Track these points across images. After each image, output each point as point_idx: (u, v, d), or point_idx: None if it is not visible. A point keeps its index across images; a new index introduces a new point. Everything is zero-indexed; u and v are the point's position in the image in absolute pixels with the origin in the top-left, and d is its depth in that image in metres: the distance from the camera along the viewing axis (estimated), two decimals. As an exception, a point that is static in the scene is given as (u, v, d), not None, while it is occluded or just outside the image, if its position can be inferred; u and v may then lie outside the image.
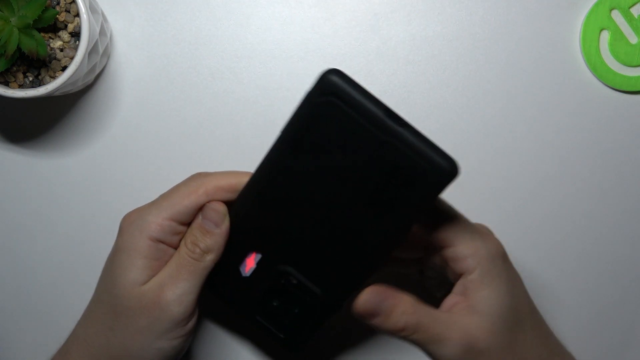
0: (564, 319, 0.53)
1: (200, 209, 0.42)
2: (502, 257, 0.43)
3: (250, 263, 0.43)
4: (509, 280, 0.42)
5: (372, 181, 0.39)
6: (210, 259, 0.42)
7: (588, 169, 0.53)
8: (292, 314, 0.43)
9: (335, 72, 0.38)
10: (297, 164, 0.39)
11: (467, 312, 0.41)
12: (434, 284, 0.47)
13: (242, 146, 0.53)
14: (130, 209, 0.51)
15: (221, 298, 0.45)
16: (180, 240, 0.43)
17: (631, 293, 0.53)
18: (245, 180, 0.42)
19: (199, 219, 0.42)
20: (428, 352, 0.41)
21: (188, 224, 0.43)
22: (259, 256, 0.43)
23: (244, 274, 0.43)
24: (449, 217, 0.42)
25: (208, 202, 0.42)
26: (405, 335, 0.40)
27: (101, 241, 0.53)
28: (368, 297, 0.40)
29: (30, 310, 0.53)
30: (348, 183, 0.39)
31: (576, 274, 0.53)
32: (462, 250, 0.41)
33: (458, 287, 0.42)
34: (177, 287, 0.41)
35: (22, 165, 0.53)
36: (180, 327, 0.42)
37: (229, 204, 0.43)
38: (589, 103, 0.53)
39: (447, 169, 0.38)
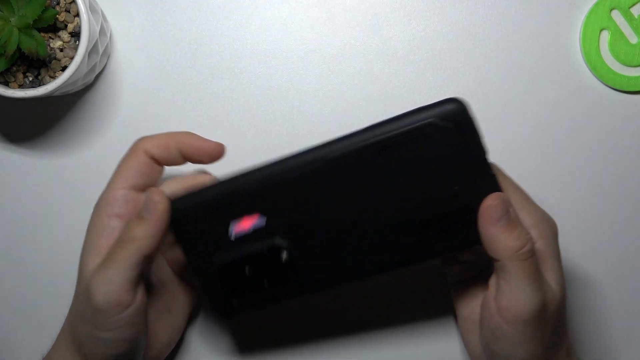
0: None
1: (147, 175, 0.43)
2: (557, 235, 0.42)
3: (246, 224, 0.42)
4: (560, 260, 0.42)
5: (432, 210, 0.40)
6: (135, 247, 0.40)
7: (588, 169, 0.53)
8: (255, 283, 0.42)
9: (465, 104, 0.39)
10: (367, 164, 0.40)
11: (550, 283, 0.41)
12: (463, 269, 0.46)
13: (242, 146, 0.53)
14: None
15: (178, 234, 0.43)
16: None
17: (631, 293, 0.53)
18: (180, 139, 0.43)
19: (140, 205, 0.42)
20: (514, 287, 0.39)
21: (143, 188, 0.43)
22: (262, 220, 0.42)
23: (230, 232, 0.42)
24: (514, 189, 0.42)
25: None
26: (512, 257, 0.38)
27: (101, 241, 0.53)
28: (498, 200, 0.39)
29: (30, 310, 0.53)
30: (405, 201, 0.40)
31: (576, 274, 0.53)
32: (525, 219, 0.41)
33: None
34: (100, 274, 0.40)
35: (22, 165, 0.53)
36: (109, 317, 0.40)
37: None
38: (589, 103, 0.53)
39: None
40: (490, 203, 0.39)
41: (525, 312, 0.39)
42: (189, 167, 0.47)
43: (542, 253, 0.41)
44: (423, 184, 0.40)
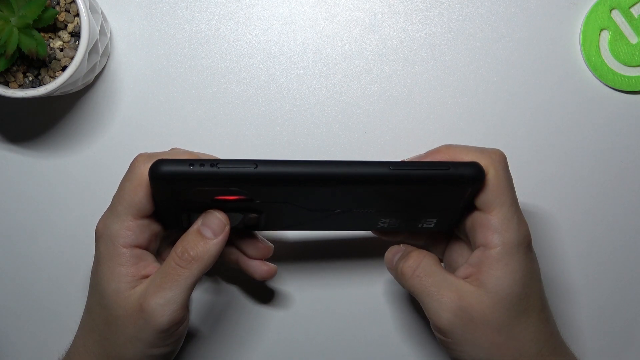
0: (564, 319, 0.53)
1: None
2: (527, 245, 0.42)
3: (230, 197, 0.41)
4: (526, 270, 0.42)
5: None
6: (197, 267, 0.41)
7: (588, 168, 0.53)
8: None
9: (484, 173, 0.41)
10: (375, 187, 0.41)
11: (475, 284, 0.42)
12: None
13: (242, 146, 0.53)
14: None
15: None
16: (156, 238, 0.43)
17: (631, 293, 0.53)
18: (182, 153, 0.43)
19: (198, 224, 0.42)
20: (423, 304, 0.42)
21: (153, 213, 0.42)
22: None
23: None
24: (504, 189, 0.42)
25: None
26: (403, 279, 0.43)
27: (101, 241, 0.53)
28: (387, 254, 0.45)
29: (30, 310, 0.53)
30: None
31: (575, 273, 0.53)
32: (496, 222, 0.41)
33: (474, 258, 0.42)
34: (159, 297, 0.40)
35: (22, 165, 0.53)
36: (168, 335, 0.41)
37: None
38: (589, 103, 0.53)
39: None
40: (386, 255, 0.45)
41: (438, 321, 0.41)
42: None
43: (493, 261, 0.41)
44: (408, 205, 0.43)
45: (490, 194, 0.41)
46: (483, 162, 0.41)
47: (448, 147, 0.43)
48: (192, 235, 0.41)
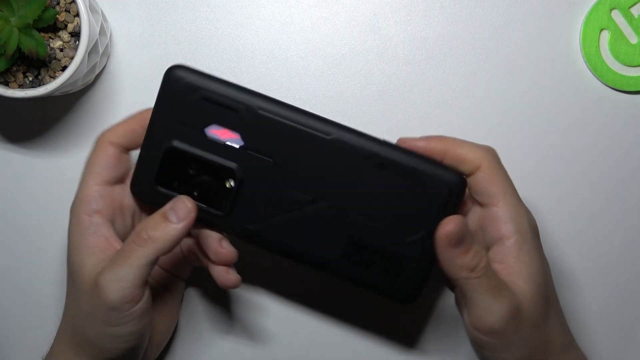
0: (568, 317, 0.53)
1: (114, 160, 0.43)
2: (537, 232, 0.42)
3: (224, 134, 0.42)
4: (542, 257, 0.42)
5: (375, 241, 0.42)
6: (153, 248, 0.40)
7: (588, 168, 0.53)
8: (187, 186, 0.42)
9: (465, 184, 0.42)
10: (363, 168, 0.42)
11: (510, 278, 0.41)
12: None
13: (242, 146, 0.53)
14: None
15: None
16: (116, 215, 0.43)
17: (631, 293, 0.53)
18: (140, 120, 0.43)
19: (165, 207, 0.41)
20: (479, 302, 0.40)
21: (115, 181, 0.43)
22: (239, 142, 0.42)
23: (206, 131, 0.42)
24: (503, 178, 0.42)
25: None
26: (469, 277, 0.40)
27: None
28: (455, 226, 0.40)
29: (30, 310, 0.53)
30: (362, 214, 0.42)
31: (576, 273, 0.53)
32: (505, 212, 0.41)
33: (495, 254, 0.41)
34: (112, 272, 0.40)
35: (22, 165, 0.53)
36: (121, 313, 0.40)
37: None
38: (589, 103, 0.53)
39: None
40: (448, 229, 0.40)
41: (494, 322, 0.40)
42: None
43: (516, 249, 0.41)
44: (389, 214, 0.42)
45: (492, 185, 0.41)
46: (478, 154, 0.42)
47: (443, 137, 0.43)
48: (156, 216, 0.41)
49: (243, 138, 0.41)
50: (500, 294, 0.40)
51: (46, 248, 0.53)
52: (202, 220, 0.42)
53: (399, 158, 0.42)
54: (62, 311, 0.45)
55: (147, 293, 0.41)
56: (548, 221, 0.53)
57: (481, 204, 0.42)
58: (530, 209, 0.52)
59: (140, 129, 0.43)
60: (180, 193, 0.42)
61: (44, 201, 0.53)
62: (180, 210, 0.41)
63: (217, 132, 0.42)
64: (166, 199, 0.41)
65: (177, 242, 0.41)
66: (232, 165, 0.42)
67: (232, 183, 0.42)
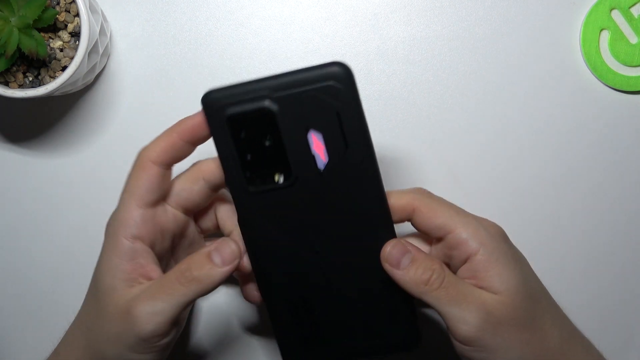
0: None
1: (161, 185, 0.42)
2: (502, 236, 0.42)
3: (318, 147, 0.40)
4: (515, 258, 0.42)
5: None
6: (195, 288, 0.40)
7: (588, 168, 0.53)
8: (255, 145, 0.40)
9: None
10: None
11: (484, 286, 0.41)
12: None
13: (242, 146, 0.53)
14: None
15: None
16: (156, 235, 0.42)
17: (632, 294, 0.53)
18: (182, 133, 0.41)
19: (211, 246, 0.41)
20: (447, 314, 0.40)
21: (157, 202, 0.42)
22: (320, 163, 0.40)
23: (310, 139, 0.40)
24: (444, 207, 0.42)
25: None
26: (425, 291, 0.40)
27: (101, 241, 0.53)
28: (392, 247, 0.41)
29: (30, 310, 0.53)
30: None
31: (576, 274, 0.53)
32: (460, 233, 0.41)
33: (466, 272, 0.41)
34: (149, 305, 0.40)
35: (22, 165, 0.53)
36: (149, 344, 0.40)
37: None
38: (589, 103, 0.53)
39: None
40: (387, 251, 0.41)
41: (467, 331, 0.40)
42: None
43: (483, 262, 0.41)
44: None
45: (434, 218, 0.41)
46: (406, 199, 0.42)
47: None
48: (201, 257, 0.40)
49: (326, 166, 0.40)
50: (466, 302, 0.40)
51: (46, 248, 0.53)
52: (227, 178, 0.41)
53: (389, 292, 0.42)
54: (75, 318, 0.44)
55: (175, 329, 0.41)
56: (547, 221, 0.53)
57: (438, 239, 0.42)
58: (527, 209, 0.52)
59: (181, 141, 0.42)
60: (237, 144, 0.40)
61: (43, 201, 0.53)
62: (226, 254, 0.40)
63: (316, 141, 0.40)
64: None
65: (220, 284, 0.40)
66: (296, 173, 0.40)
67: (280, 181, 0.41)
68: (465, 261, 0.41)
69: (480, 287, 0.41)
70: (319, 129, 0.40)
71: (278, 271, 0.42)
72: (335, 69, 0.39)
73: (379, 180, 0.41)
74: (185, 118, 0.42)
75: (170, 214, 0.43)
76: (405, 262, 0.41)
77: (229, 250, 0.40)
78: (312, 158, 0.40)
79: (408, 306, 0.42)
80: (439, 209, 0.42)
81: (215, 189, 0.44)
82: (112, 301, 0.41)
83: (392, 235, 0.41)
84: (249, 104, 0.40)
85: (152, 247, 0.42)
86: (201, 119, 0.41)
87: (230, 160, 0.40)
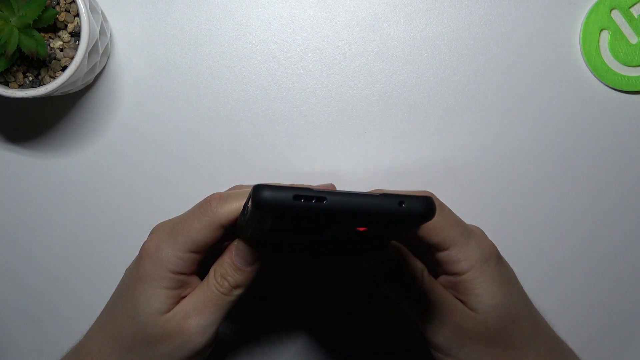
0: (564, 320, 0.53)
1: (219, 240, 0.42)
2: (495, 258, 0.44)
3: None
4: (502, 281, 0.43)
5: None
6: (237, 293, 0.42)
7: (588, 168, 0.53)
8: None
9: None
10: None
11: (467, 303, 0.43)
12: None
13: (242, 146, 0.53)
14: (130, 210, 0.51)
15: None
16: (199, 265, 0.43)
17: (632, 293, 0.53)
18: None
19: (231, 255, 0.42)
20: (422, 322, 0.42)
21: (205, 251, 0.43)
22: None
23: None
24: (447, 222, 0.42)
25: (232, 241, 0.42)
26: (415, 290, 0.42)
27: (101, 242, 0.53)
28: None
29: (30, 310, 0.53)
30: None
31: (576, 273, 0.53)
32: (456, 254, 0.42)
33: (446, 281, 0.43)
34: (201, 319, 0.42)
35: (22, 165, 0.53)
36: (200, 355, 0.42)
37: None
38: (589, 103, 0.53)
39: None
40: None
41: (436, 339, 0.43)
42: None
43: (468, 282, 0.43)
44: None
45: (440, 236, 0.42)
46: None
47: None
48: (228, 265, 0.42)
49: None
50: (439, 313, 0.42)
51: (46, 248, 0.53)
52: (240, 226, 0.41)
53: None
54: (92, 335, 0.44)
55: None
56: (547, 221, 0.53)
57: (431, 249, 0.43)
58: (527, 209, 0.52)
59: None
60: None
61: (43, 201, 0.53)
62: (248, 256, 0.42)
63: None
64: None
65: (253, 279, 0.42)
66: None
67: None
68: (450, 274, 0.43)
69: (465, 301, 0.43)
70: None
71: None
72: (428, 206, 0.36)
73: None
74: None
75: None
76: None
77: (247, 252, 0.42)
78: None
79: None
80: (443, 225, 0.43)
81: None
82: (158, 324, 0.42)
83: None
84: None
85: (193, 274, 0.44)
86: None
87: (251, 227, 0.39)
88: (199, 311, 0.42)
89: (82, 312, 0.44)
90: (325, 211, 0.34)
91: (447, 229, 0.43)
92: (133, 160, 0.53)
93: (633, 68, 0.52)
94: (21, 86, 0.47)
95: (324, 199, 0.34)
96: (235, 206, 0.41)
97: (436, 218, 0.42)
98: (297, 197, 0.34)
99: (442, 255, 0.43)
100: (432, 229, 0.42)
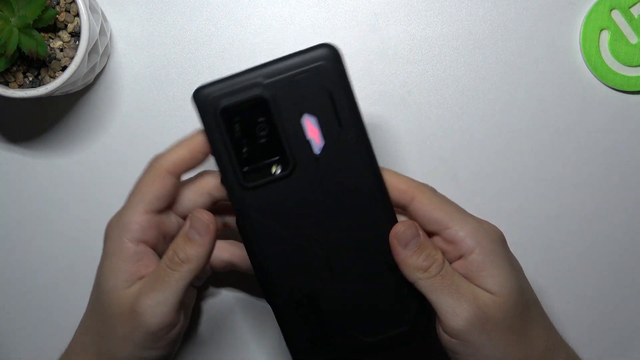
0: (564, 319, 0.53)
1: (173, 196, 0.42)
2: (501, 240, 0.42)
3: (314, 132, 0.40)
4: (513, 264, 0.42)
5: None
6: (187, 269, 0.40)
7: (588, 168, 0.53)
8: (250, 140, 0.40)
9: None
10: None
11: (479, 285, 0.41)
12: None
13: (242, 146, 0.53)
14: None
15: None
16: (160, 240, 0.43)
17: (632, 293, 0.53)
18: (201, 145, 0.41)
19: (185, 227, 0.41)
20: (440, 304, 0.40)
21: (164, 210, 0.42)
22: (316, 147, 0.40)
23: (304, 123, 0.40)
24: (445, 203, 0.42)
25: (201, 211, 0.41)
26: (422, 277, 0.40)
27: (100, 242, 0.53)
28: (406, 227, 0.41)
29: (30, 310, 0.53)
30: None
31: (576, 274, 0.53)
32: (458, 231, 0.41)
33: (458, 268, 0.42)
34: (150, 298, 0.40)
35: (22, 165, 0.53)
36: (158, 337, 0.41)
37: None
38: (589, 103, 0.53)
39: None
40: (399, 229, 0.41)
41: (457, 323, 0.40)
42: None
43: (478, 262, 0.41)
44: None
45: (434, 211, 0.41)
46: (408, 184, 0.42)
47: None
48: (180, 238, 0.41)
49: (322, 149, 0.40)
50: (459, 296, 0.40)
51: (46, 248, 0.53)
52: (222, 174, 0.41)
53: (395, 277, 0.42)
54: (81, 322, 0.44)
55: (182, 317, 0.42)
56: (547, 221, 0.53)
57: (432, 233, 0.42)
58: (527, 209, 0.52)
59: (198, 153, 0.42)
60: (231, 136, 0.40)
61: (44, 201, 0.53)
62: (199, 227, 0.41)
63: (310, 126, 0.40)
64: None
65: (208, 256, 0.41)
66: (292, 160, 0.40)
67: (278, 172, 0.40)
68: (458, 258, 0.42)
69: (477, 283, 0.41)
70: (312, 112, 0.40)
71: (281, 269, 0.41)
72: (323, 50, 0.39)
73: (374, 158, 0.41)
74: (198, 132, 0.42)
75: (174, 222, 0.43)
76: (412, 246, 0.41)
77: (200, 222, 0.41)
78: (308, 143, 0.40)
79: (416, 293, 0.42)
80: (440, 204, 0.42)
81: (217, 201, 0.44)
82: (115, 302, 0.41)
83: (391, 212, 0.41)
84: (241, 94, 0.39)
85: (154, 250, 0.42)
86: None
87: (226, 156, 0.40)
88: (148, 289, 0.40)
89: (83, 312, 0.44)
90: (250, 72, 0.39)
91: (443, 206, 0.42)
92: (133, 160, 0.53)
93: (633, 68, 0.52)
94: (21, 86, 0.47)
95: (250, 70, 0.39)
96: (177, 151, 0.42)
97: (431, 196, 0.42)
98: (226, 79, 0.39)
99: (445, 235, 0.41)
100: (427, 207, 0.41)
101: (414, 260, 0.41)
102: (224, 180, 0.41)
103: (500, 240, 0.42)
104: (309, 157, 0.40)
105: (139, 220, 0.41)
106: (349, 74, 0.39)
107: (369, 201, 0.41)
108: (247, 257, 0.42)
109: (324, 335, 0.42)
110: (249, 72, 0.40)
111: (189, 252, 0.40)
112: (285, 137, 0.40)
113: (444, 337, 0.41)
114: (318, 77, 0.39)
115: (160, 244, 0.43)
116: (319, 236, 0.41)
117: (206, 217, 0.41)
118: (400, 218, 0.42)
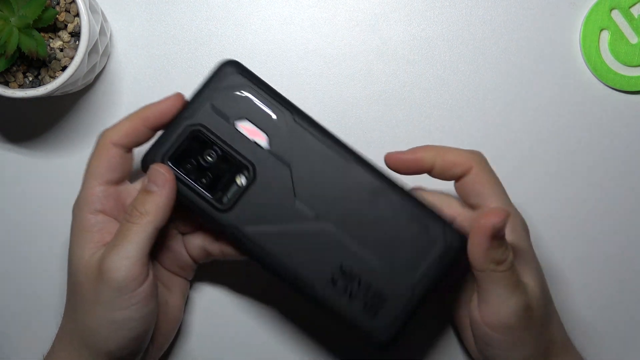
0: (563, 319, 0.53)
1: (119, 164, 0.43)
2: (529, 233, 0.43)
3: (253, 132, 0.43)
4: (536, 258, 0.43)
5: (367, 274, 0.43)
6: (147, 221, 0.41)
7: (588, 168, 0.53)
8: (199, 170, 0.43)
9: None
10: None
11: (526, 284, 0.41)
12: None
13: (242, 146, 0.53)
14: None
15: None
16: (117, 208, 0.44)
17: (632, 293, 0.53)
18: (145, 119, 0.43)
19: (144, 181, 0.42)
20: (495, 295, 0.40)
21: (119, 181, 0.44)
22: (265, 143, 0.43)
23: (236, 122, 0.43)
24: (497, 183, 0.43)
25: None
26: (495, 269, 0.40)
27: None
28: (502, 220, 0.40)
29: (30, 310, 0.53)
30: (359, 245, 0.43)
31: (576, 273, 0.53)
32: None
33: None
34: (114, 254, 0.41)
35: (22, 165, 0.53)
36: (127, 293, 0.41)
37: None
38: (589, 103, 0.53)
39: None
40: (495, 221, 0.40)
41: (509, 318, 0.40)
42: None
43: (517, 248, 0.42)
44: (386, 250, 0.42)
45: (482, 186, 0.42)
46: (467, 157, 0.42)
47: (430, 146, 0.43)
48: (141, 193, 0.42)
49: (269, 142, 0.42)
50: (517, 290, 0.40)
51: (46, 248, 0.53)
52: (199, 211, 0.43)
53: (408, 204, 0.42)
54: (63, 313, 0.45)
55: (151, 274, 0.42)
56: (547, 221, 0.53)
57: (472, 207, 0.42)
58: (529, 210, 0.52)
59: (144, 127, 0.43)
60: (189, 176, 0.43)
61: (44, 201, 0.53)
62: (157, 179, 0.42)
63: (247, 129, 0.43)
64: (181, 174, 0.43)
65: (168, 209, 0.42)
66: (249, 163, 0.42)
67: (244, 181, 0.42)
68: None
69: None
70: (243, 117, 0.42)
71: (300, 260, 0.42)
72: (223, 69, 0.43)
73: (321, 126, 0.43)
74: (149, 104, 0.44)
75: (133, 192, 0.44)
76: (499, 238, 0.40)
77: (158, 174, 0.42)
78: (255, 144, 0.42)
79: (433, 213, 0.42)
80: (489, 180, 0.42)
81: (211, 255, 0.46)
82: (83, 270, 0.42)
83: (357, 157, 0.43)
84: (175, 140, 0.43)
85: (117, 219, 0.44)
86: (165, 107, 0.43)
87: (194, 195, 0.43)
88: (112, 247, 0.41)
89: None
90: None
91: (495, 184, 0.42)
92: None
93: (633, 68, 0.52)
94: (21, 86, 0.47)
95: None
96: (121, 123, 0.43)
97: (489, 172, 0.42)
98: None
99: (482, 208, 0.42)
100: (479, 180, 0.42)
101: (493, 252, 0.40)
102: (203, 217, 0.43)
103: (527, 230, 0.43)
104: (262, 154, 0.42)
105: (94, 192, 0.43)
106: (256, 72, 0.43)
107: (339, 159, 0.42)
108: (218, 242, 0.44)
109: (377, 300, 0.42)
110: (173, 124, 0.43)
111: (147, 204, 0.41)
112: (232, 150, 0.42)
113: (484, 330, 0.41)
114: (230, 89, 0.43)
115: (121, 215, 0.44)
116: (314, 212, 0.42)
117: (163, 169, 0.42)
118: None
